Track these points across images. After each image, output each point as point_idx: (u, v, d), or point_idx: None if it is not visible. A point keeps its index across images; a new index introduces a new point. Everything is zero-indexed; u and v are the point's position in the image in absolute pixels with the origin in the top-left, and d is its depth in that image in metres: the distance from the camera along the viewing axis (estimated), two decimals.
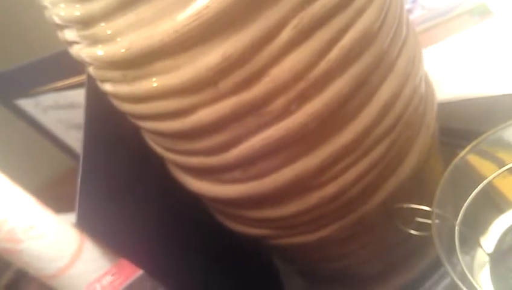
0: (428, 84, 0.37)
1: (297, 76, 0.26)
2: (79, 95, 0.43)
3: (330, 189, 0.31)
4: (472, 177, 0.36)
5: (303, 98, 0.27)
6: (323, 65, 0.26)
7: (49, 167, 0.62)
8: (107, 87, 0.29)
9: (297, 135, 0.28)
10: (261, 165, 0.29)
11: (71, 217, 0.32)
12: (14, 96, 0.54)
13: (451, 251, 0.32)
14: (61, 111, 0.53)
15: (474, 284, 0.30)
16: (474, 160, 0.36)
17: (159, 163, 0.36)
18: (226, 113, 0.26)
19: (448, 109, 0.47)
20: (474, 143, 0.36)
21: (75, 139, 0.56)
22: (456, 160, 0.35)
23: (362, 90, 0.29)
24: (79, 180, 0.32)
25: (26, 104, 0.54)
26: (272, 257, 0.52)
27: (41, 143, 0.58)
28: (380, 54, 0.29)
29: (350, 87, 0.28)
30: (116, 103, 0.30)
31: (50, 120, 0.55)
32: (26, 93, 0.53)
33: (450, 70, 0.51)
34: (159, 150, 0.33)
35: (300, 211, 0.32)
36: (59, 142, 0.58)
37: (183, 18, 0.23)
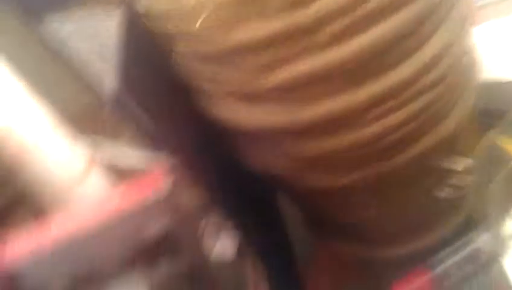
0: (474, 56, 0.36)
1: (344, 9, 0.26)
2: (104, 24, 0.42)
3: (371, 130, 0.30)
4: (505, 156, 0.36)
5: (347, 33, 0.27)
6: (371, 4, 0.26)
7: (70, 100, 0.61)
8: None
9: (340, 69, 0.28)
10: (300, 94, 0.29)
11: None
12: (41, 18, 0.53)
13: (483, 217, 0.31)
14: (85, 40, 0.52)
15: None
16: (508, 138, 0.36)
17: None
18: (276, 31, 0.26)
19: (489, 89, 0.46)
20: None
21: (99, 71, 0.55)
22: (492, 135, 0.35)
23: (413, 36, 0.29)
24: None
25: (51, 31, 0.53)
26: (279, 211, 0.50)
27: (65, 74, 0.57)
28: (432, 6, 0.29)
29: (399, 30, 0.28)
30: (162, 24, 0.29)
31: (74, 49, 0.54)
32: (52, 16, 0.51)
33: (493, 51, 0.50)
34: (196, 81, 0.33)
35: (338, 148, 0.31)
36: (83, 73, 0.57)
37: None
